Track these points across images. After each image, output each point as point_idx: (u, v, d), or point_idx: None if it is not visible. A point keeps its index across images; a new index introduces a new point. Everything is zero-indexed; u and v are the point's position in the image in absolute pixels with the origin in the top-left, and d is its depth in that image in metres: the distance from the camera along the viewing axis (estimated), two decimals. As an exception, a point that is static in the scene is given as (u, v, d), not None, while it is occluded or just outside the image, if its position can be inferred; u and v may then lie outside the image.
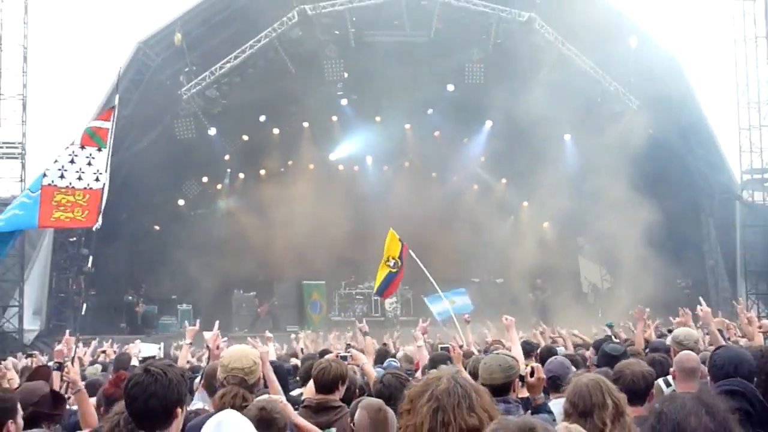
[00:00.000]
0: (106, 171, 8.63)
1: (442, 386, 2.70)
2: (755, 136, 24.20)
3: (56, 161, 8.51)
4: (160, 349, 11.78)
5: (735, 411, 2.51)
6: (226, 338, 7.60)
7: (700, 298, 6.84)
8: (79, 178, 8.64)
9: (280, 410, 4.11)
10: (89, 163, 8.68)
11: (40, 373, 6.26)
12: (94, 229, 8.64)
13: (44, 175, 8.48)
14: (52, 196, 8.47)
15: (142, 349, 10.43)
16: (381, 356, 8.99)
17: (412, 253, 12.13)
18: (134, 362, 9.21)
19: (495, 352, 5.96)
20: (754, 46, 24.20)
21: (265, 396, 4.63)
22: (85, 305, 11.05)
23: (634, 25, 24.71)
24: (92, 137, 8.72)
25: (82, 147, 8.63)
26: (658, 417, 2.42)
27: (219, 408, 4.47)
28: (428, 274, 12.22)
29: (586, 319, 20.06)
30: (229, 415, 3.12)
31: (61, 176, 8.53)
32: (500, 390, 4.68)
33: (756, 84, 24.16)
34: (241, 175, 27.56)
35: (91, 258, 7.98)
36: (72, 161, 8.59)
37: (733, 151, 24.83)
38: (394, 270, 12.02)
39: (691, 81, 24.68)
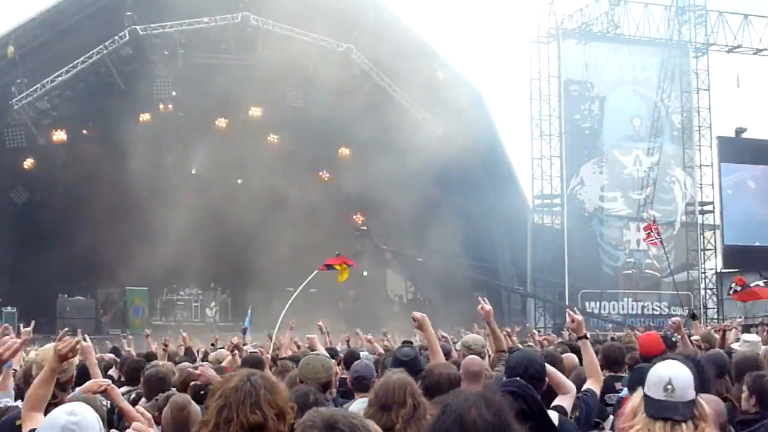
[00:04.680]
0: None
1: (231, 384, 3.21)
2: (546, 165, 31.76)
3: None
4: None
5: (513, 409, 2.99)
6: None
7: (480, 298, 7.75)
8: None
9: (99, 407, 4.43)
10: None
11: None
12: None
13: None
14: None
15: None
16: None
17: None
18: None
19: (315, 353, 7.29)
20: (547, 85, 31.83)
21: (85, 394, 5.24)
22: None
23: (442, 60, 32.10)
24: None
25: None
26: (444, 409, 2.86)
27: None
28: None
29: (391, 328, 26.93)
30: (80, 405, 3.40)
31: None
32: (324, 387, 5.98)
33: (548, 118, 31.79)
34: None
35: None
36: None
37: (526, 178, 32.56)
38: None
39: (492, 113, 32.28)
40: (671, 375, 3.54)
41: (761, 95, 37.62)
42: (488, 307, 7.44)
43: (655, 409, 3.52)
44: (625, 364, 8.03)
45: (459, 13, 70.41)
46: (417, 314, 7.10)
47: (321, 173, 34.91)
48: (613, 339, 14.49)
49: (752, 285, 21.26)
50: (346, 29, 30.94)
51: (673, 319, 10.58)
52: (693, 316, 17.99)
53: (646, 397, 3.61)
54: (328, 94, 30.69)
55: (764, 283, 21.12)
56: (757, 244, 31.14)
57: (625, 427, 3.69)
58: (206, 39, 30.84)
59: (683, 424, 3.48)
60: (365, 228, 35.23)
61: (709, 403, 4.10)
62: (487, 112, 32.06)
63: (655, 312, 31.43)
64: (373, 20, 31.06)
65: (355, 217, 35.36)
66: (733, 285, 22.60)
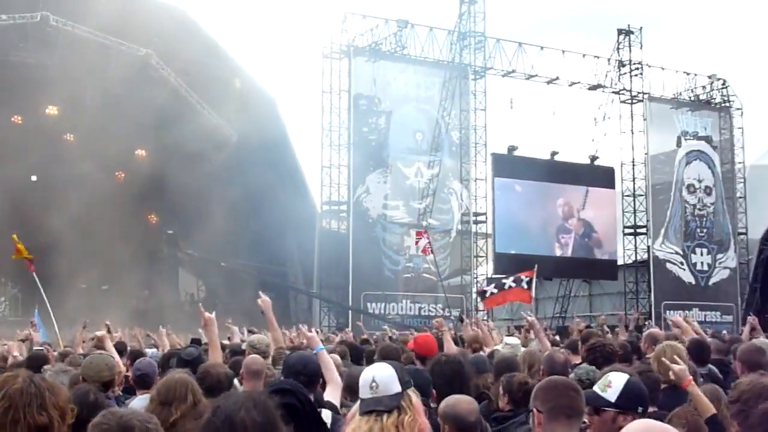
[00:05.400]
0: None
1: (16, 386, 3.34)
2: (334, 174, 34.24)
3: None
4: None
5: (283, 406, 3.34)
6: None
7: (260, 292, 8.55)
8: None
9: None
10: None
11: None
12: None
13: None
14: None
15: None
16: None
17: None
18: None
19: (99, 353, 7.53)
20: (338, 98, 34.38)
21: None
22: None
23: (240, 69, 34.33)
24: None
25: None
26: (214, 410, 3.07)
27: None
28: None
29: (184, 326, 28.66)
30: None
31: None
32: (107, 386, 6.29)
33: (338, 129, 34.40)
34: None
35: None
36: None
37: (315, 185, 35.11)
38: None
39: (285, 122, 34.76)
40: (374, 374, 3.86)
41: (532, 117, 41.75)
42: (267, 298, 8.33)
43: (365, 406, 3.83)
44: (401, 363, 8.47)
45: (258, 26, 75.50)
46: (207, 315, 7.65)
47: (117, 173, 36.33)
48: (390, 338, 15.77)
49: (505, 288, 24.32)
50: (147, 35, 32.46)
51: (436, 319, 11.75)
52: (461, 320, 19.89)
53: (360, 400, 3.91)
54: (126, 97, 32.25)
55: (514, 282, 24.13)
56: (514, 251, 34.97)
57: (343, 429, 4.05)
58: (3, 36, 31.66)
59: (385, 414, 3.77)
60: (171, 232, 36.80)
61: (461, 402, 4.70)
62: (280, 121, 34.51)
63: (431, 313, 33.89)
64: (174, 28, 32.66)
65: (149, 217, 37.01)
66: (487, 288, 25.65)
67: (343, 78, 34.31)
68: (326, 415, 5.27)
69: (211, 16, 57.43)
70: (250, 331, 13.45)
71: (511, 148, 36.27)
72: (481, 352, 9.62)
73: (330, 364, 6.07)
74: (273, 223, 34.08)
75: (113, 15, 31.08)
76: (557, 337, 17.80)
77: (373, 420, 3.75)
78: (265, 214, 33.87)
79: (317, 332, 21.29)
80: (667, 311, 37.17)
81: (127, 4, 31.31)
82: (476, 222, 36.05)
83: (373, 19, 34.60)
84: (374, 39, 34.38)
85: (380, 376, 3.82)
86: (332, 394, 5.84)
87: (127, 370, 8.11)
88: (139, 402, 6.05)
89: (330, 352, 8.16)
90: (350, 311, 32.97)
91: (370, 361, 8.46)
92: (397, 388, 3.81)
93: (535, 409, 4.13)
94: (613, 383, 4.40)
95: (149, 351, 11.12)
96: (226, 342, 11.81)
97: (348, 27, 34.42)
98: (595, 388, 4.46)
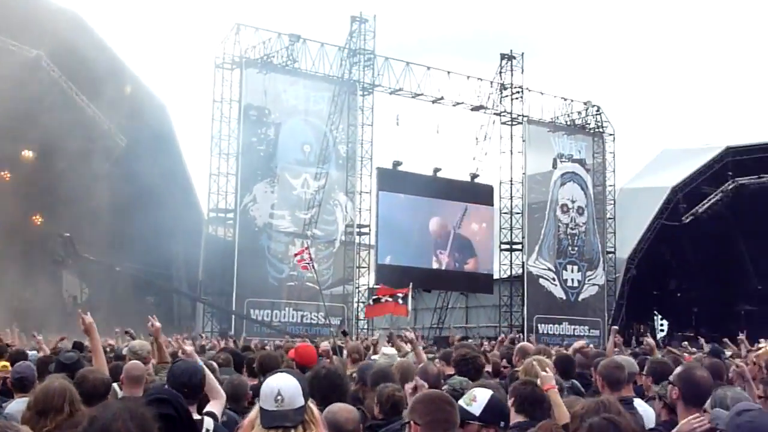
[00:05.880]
0: None
1: None
2: (222, 182, 35.09)
3: None
4: None
5: (160, 416, 3.33)
6: None
7: (150, 316, 8.37)
8: None
9: None
10: None
11: None
12: None
13: None
14: None
15: None
16: None
17: None
18: None
19: None
20: (228, 107, 35.22)
21: None
22: None
23: (131, 74, 34.88)
24: None
25: None
26: (90, 420, 3.04)
27: None
28: None
29: (64, 328, 28.98)
30: None
31: None
32: None
33: (227, 138, 35.30)
34: None
35: None
36: None
37: (203, 191, 35.94)
38: None
39: (176, 128, 35.49)
40: (280, 386, 3.74)
41: (417, 134, 43.54)
42: (158, 324, 8.10)
43: (269, 419, 3.70)
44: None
45: (151, 32, 76.76)
46: (87, 318, 7.31)
47: (2, 173, 36.22)
48: (278, 346, 16.13)
49: (383, 300, 25.93)
50: (38, 36, 32.65)
51: (322, 347, 11.54)
52: (344, 333, 20.79)
53: (261, 409, 3.76)
54: (14, 97, 32.29)
55: (402, 298, 25.74)
56: (395, 263, 36.63)
57: None
58: None
59: (293, 430, 3.71)
60: (68, 234, 36.81)
61: (342, 411, 4.66)
62: (170, 126, 35.18)
63: (313, 321, 35.18)
64: (66, 30, 32.89)
65: (35, 217, 36.97)
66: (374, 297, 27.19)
67: (234, 88, 35.14)
68: (208, 422, 5.41)
69: (104, 19, 57.62)
70: (127, 332, 13.74)
71: (396, 163, 37.87)
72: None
73: (211, 380, 5.99)
74: (159, 227, 34.47)
75: (4, 14, 31.22)
76: (434, 347, 19.43)
77: None
78: (151, 217, 34.24)
79: (201, 336, 22.30)
80: (539, 324, 39.39)
81: (19, 4, 31.45)
82: (360, 233, 37.28)
83: (266, 32, 35.53)
84: (266, 51, 35.31)
85: (286, 388, 3.73)
86: (215, 407, 5.82)
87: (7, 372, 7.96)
88: (17, 405, 6.06)
89: (212, 358, 8.75)
90: (233, 317, 33.77)
91: (250, 369, 8.64)
92: (301, 401, 3.75)
93: (412, 422, 4.24)
94: (477, 398, 4.65)
95: (31, 353, 11.05)
96: (107, 348, 11.79)
97: (241, 38, 35.32)
98: (461, 402, 4.65)
